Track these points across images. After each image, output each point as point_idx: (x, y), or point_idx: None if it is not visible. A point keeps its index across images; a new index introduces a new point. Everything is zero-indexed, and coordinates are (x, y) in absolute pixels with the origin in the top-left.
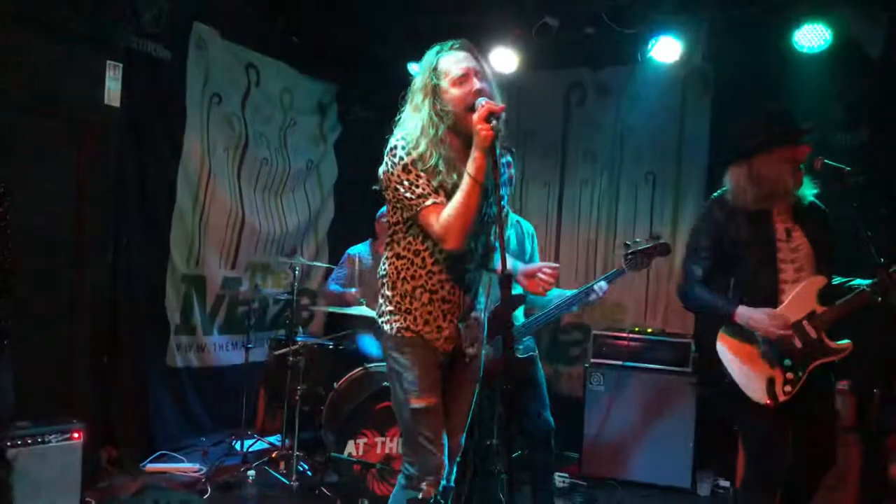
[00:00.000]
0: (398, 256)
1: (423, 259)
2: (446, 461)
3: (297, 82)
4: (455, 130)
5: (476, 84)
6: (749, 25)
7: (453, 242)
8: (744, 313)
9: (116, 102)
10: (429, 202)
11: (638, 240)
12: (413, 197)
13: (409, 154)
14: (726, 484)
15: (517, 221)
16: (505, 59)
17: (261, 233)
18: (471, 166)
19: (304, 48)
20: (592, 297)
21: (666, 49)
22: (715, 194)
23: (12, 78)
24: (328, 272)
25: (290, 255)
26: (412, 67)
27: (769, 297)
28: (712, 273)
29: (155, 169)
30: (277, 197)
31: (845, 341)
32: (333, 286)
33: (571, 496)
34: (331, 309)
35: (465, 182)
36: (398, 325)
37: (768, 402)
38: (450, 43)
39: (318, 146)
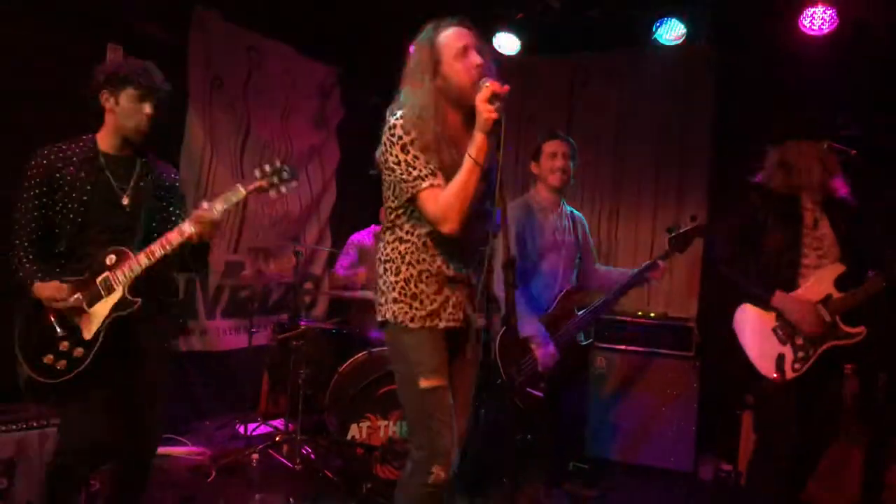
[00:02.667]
0: (401, 241)
1: (426, 242)
2: (456, 444)
3: (299, 65)
4: (457, 106)
5: (477, 58)
6: (754, 7)
7: (450, 226)
8: (780, 301)
9: None
10: (425, 184)
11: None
12: (409, 179)
13: (407, 133)
14: (728, 468)
15: (570, 212)
16: (508, 43)
17: (263, 217)
18: (472, 148)
19: (306, 31)
20: (653, 280)
21: (670, 32)
22: (755, 178)
23: (10, 61)
24: (331, 256)
25: (293, 241)
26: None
27: (789, 279)
28: (738, 251)
29: (157, 153)
30: None
31: (859, 327)
32: (343, 272)
33: (573, 479)
34: (337, 292)
35: (466, 163)
36: (403, 313)
37: (775, 376)
38: (447, 20)
39: (320, 130)
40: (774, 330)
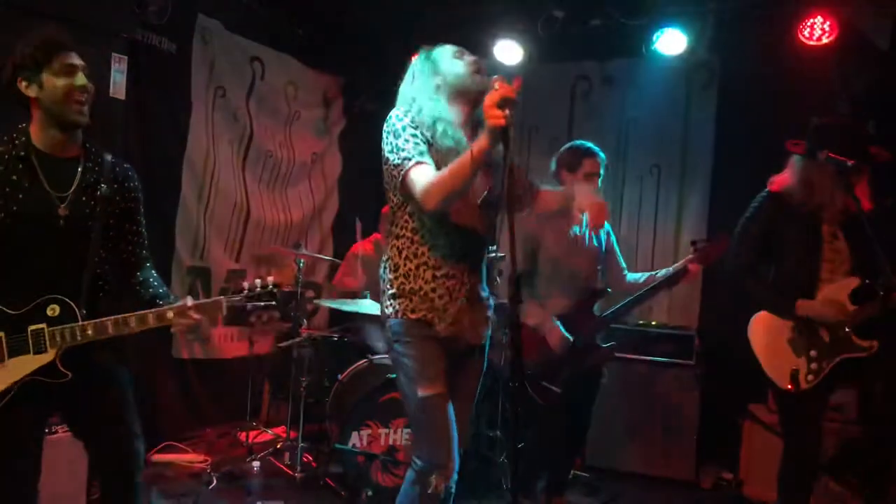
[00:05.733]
0: (397, 237)
1: (423, 236)
2: (456, 454)
3: (301, 75)
4: (455, 100)
5: (473, 56)
6: (754, 17)
7: (431, 205)
8: (806, 307)
9: (121, 95)
10: (412, 162)
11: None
12: (399, 161)
13: (401, 120)
14: (729, 476)
15: None
16: (510, 52)
17: (266, 225)
18: (476, 143)
19: (309, 41)
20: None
21: (671, 41)
22: (772, 187)
23: None
24: (333, 265)
25: (296, 250)
26: None
27: (805, 292)
28: (757, 260)
29: (160, 162)
30: (282, 189)
31: (871, 340)
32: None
33: (574, 488)
34: (335, 305)
35: (465, 154)
36: (402, 307)
37: (789, 387)
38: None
39: (323, 139)
40: (790, 342)
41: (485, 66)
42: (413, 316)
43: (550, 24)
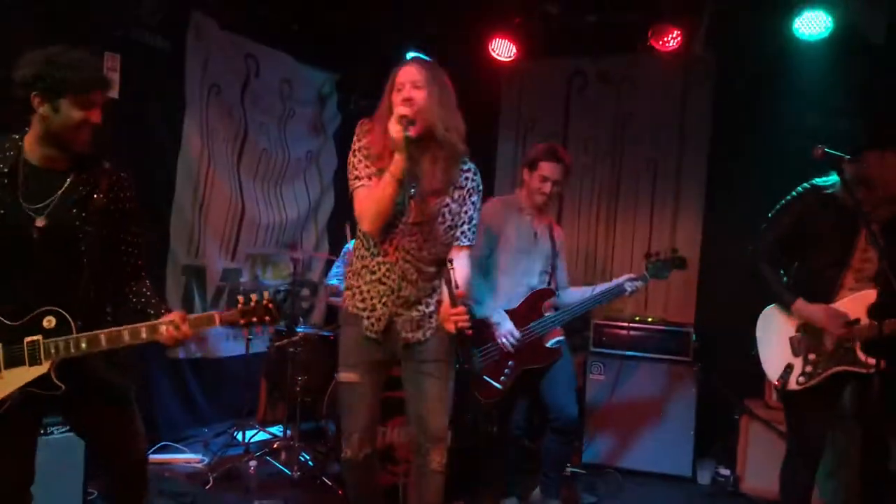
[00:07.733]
0: (356, 236)
1: (369, 240)
2: (366, 431)
3: (296, 72)
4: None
5: (406, 94)
6: (750, 12)
7: (365, 225)
8: (802, 308)
9: (115, 94)
10: (359, 184)
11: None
12: (351, 178)
13: (359, 139)
14: (726, 472)
15: (550, 222)
16: (506, 48)
17: (261, 224)
18: (391, 163)
19: (303, 37)
20: (630, 288)
21: (667, 37)
22: (816, 181)
23: (7, 69)
24: (329, 264)
25: (291, 248)
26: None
27: (824, 296)
28: (781, 248)
29: (154, 160)
30: (277, 188)
31: (876, 359)
32: (335, 281)
33: (572, 485)
34: (332, 299)
35: (384, 176)
36: (347, 299)
37: (776, 383)
38: (408, 57)
39: (318, 136)
40: (791, 339)
41: (418, 99)
42: (351, 310)
43: (546, 19)
